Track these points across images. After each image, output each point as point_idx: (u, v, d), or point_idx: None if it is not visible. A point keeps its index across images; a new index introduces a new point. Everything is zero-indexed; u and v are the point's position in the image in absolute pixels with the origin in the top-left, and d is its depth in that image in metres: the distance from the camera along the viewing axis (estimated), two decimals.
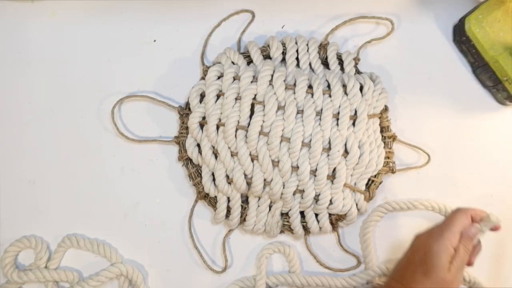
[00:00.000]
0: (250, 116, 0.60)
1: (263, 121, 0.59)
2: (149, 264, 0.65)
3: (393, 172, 0.63)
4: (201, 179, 0.63)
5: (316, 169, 0.60)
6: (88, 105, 0.66)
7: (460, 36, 0.64)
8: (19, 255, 0.65)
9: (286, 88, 0.60)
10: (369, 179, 0.63)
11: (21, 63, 0.67)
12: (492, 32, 0.61)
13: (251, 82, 0.60)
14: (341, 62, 0.64)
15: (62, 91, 0.67)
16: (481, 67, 0.63)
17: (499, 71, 0.61)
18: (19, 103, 0.67)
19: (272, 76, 0.60)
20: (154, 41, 0.67)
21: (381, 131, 0.63)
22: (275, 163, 0.60)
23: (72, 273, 0.64)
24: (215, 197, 0.63)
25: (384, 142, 0.63)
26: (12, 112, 0.67)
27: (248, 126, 0.60)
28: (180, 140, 0.64)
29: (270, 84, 0.60)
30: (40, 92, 0.67)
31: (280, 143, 0.59)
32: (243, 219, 0.63)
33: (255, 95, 0.60)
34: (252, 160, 0.60)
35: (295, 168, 0.60)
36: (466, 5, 0.66)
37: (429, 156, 0.64)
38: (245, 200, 0.63)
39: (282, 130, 0.59)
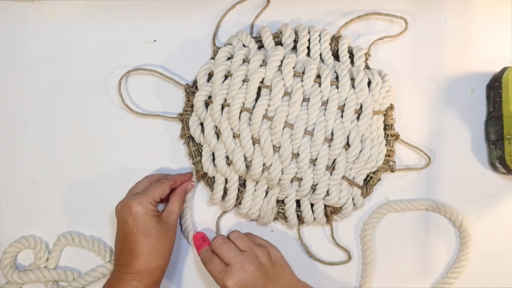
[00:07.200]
0: (256, 100, 0.60)
1: (268, 105, 0.59)
2: None
3: (392, 171, 0.63)
4: (201, 158, 0.63)
5: (316, 159, 0.60)
6: (88, 105, 0.67)
7: (494, 82, 0.63)
8: (18, 255, 0.66)
9: (294, 75, 0.60)
10: (367, 175, 0.63)
11: (21, 63, 0.67)
12: None
13: (260, 66, 0.60)
14: (351, 56, 0.64)
15: (62, 91, 0.67)
16: (494, 118, 0.63)
17: (507, 127, 0.61)
18: (19, 103, 0.67)
19: (281, 62, 0.60)
20: (154, 41, 0.67)
21: (385, 129, 0.63)
22: (276, 148, 0.60)
23: (72, 273, 0.64)
24: (213, 177, 0.63)
25: (387, 140, 0.63)
26: (12, 112, 0.67)
27: (253, 109, 0.60)
28: (184, 118, 0.64)
29: (279, 69, 0.60)
30: (40, 92, 0.67)
31: (283, 128, 0.59)
32: (238, 202, 0.63)
33: (263, 79, 0.60)
34: (254, 143, 0.60)
35: (296, 155, 0.60)
36: None
37: (430, 158, 0.64)
38: (242, 184, 0.63)
39: (287, 116, 0.59)
